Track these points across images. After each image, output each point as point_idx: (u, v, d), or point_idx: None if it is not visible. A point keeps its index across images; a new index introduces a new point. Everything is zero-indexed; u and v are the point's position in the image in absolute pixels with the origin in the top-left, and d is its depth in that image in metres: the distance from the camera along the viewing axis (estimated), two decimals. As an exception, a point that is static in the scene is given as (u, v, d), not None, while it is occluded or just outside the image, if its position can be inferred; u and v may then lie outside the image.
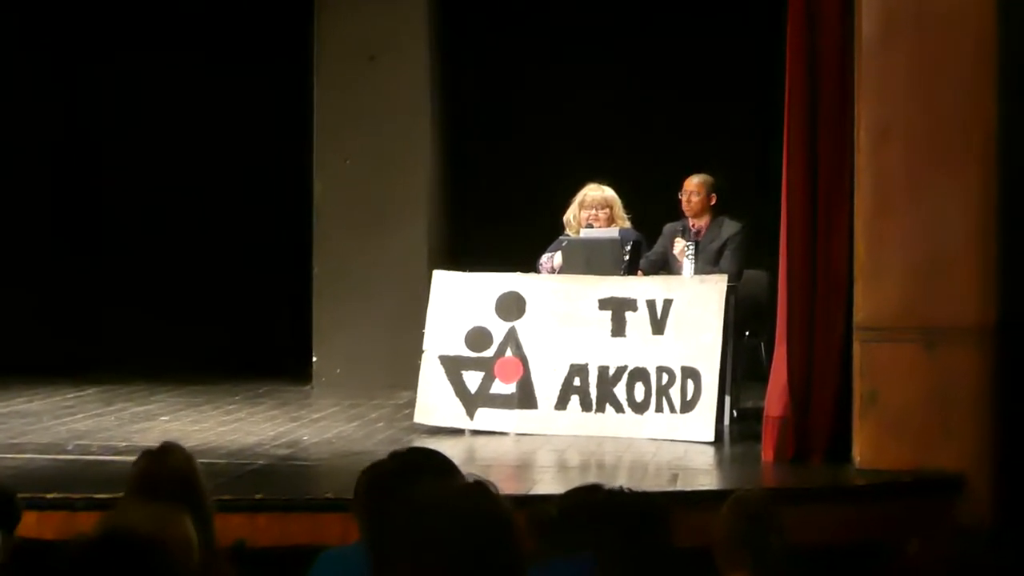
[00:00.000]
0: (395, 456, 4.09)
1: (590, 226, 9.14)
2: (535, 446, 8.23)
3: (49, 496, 6.37)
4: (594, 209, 9.17)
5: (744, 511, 4.49)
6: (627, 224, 9.23)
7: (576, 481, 7.71)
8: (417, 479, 3.68)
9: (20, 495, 4.82)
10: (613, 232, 9.04)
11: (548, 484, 7.34)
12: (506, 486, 6.99)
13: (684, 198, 9.22)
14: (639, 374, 8.45)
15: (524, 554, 2.94)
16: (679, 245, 9.04)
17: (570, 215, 9.25)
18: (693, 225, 9.17)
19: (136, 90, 12.12)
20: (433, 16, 11.11)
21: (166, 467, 3.80)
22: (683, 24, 11.43)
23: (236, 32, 12.02)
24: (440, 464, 3.94)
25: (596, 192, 9.23)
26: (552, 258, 9.11)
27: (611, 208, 9.21)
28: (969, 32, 7.22)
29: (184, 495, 3.58)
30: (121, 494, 4.13)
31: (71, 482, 6.75)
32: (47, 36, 12.09)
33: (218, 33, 12.03)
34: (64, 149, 12.24)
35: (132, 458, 6.06)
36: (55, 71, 12.13)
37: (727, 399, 8.56)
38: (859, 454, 7.30)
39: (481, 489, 3.00)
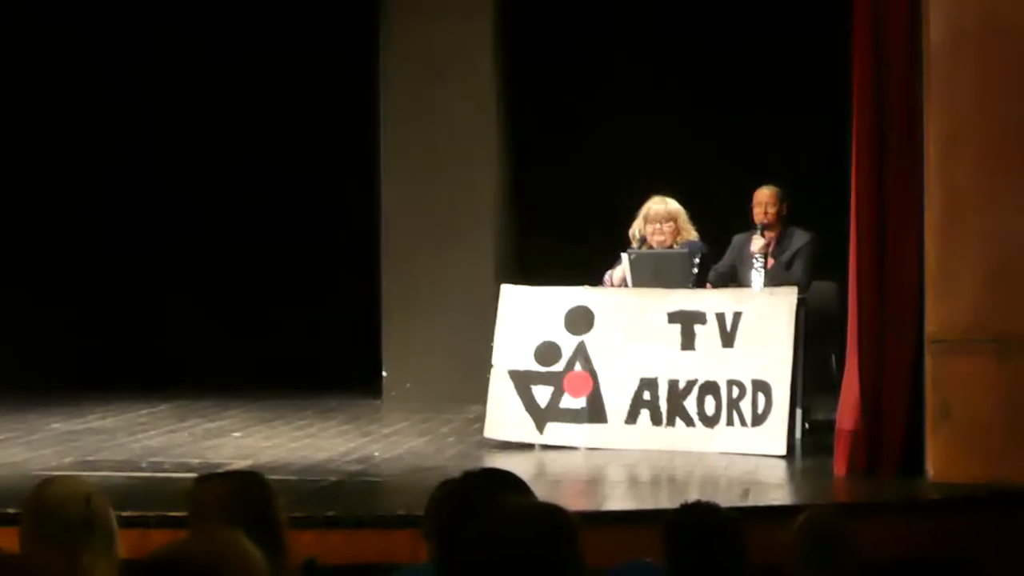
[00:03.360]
0: (468, 475, 4.08)
1: (651, 247, 9.11)
2: (605, 461, 8.22)
3: (124, 514, 6.38)
4: (658, 223, 9.13)
5: (815, 531, 4.46)
6: (693, 235, 9.19)
7: (647, 497, 7.74)
8: (490, 499, 3.67)
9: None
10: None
11: (619, 499, 7.34)
12: (576, 502, 7.00)
13: (759, 209, 9.16)
14: (709, 387, 8.42)
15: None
16: (757, 244, 8.99)
17: (635, 229, 9.23)
18: (766, 235, 9.12)
19: (202, 102, 12.20)
20: (499, 31, 11.13)
21: (230, 491, 3.82)
22: (748, 35, 11.39)
23: (303, 43, 12.08)
24: (514, 484, 3.93)
25: (659, 205, 9.19)
26: (612, 273, 9.08)
27: (675, 221, 9.16)
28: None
29: (255, 519, 3.60)
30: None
31: (146, 499, 6.80)
32: (105, 40, 12.18)
33: (286, 44, 12.09)
34: (128, 157, 12.32)
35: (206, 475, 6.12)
36: (115, 78, 12.23)
37: (798, 412, 8.52)
38: (932, 467, 7.24)
39: (552, 508, 3.00)
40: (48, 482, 3.82)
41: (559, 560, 2.87)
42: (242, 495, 3.78)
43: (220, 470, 4.27)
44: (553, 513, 2.97)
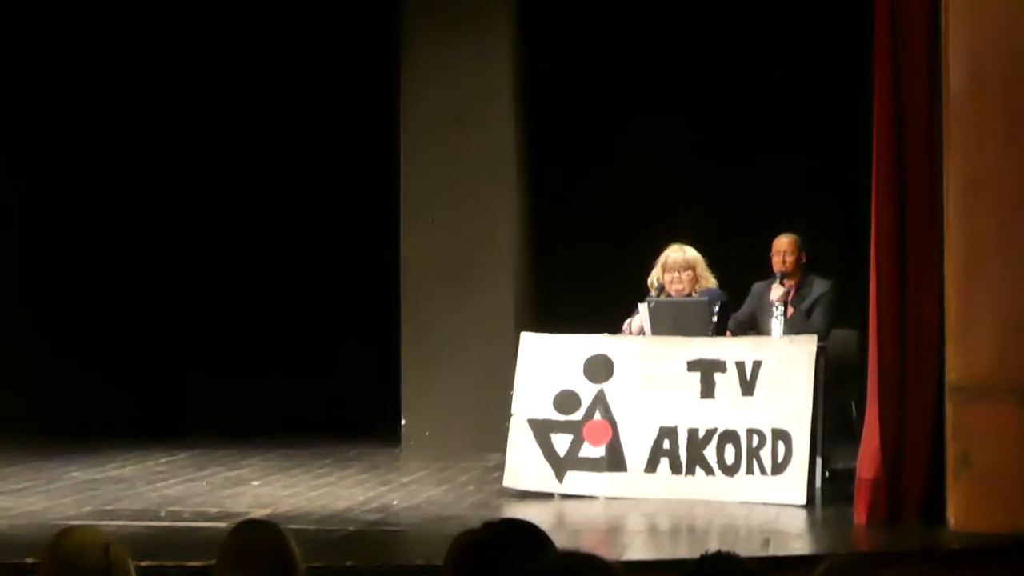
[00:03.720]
0: (488, 527, 4.05)
1: (669, 295, 9.10)
2: (625, 510, 8.19)
3: (143, 564, 6.37)
4: (677, 271, 9.12)
5: (838, 579, 4.42)
6: (712, 283, 9.18)
7: (667, 546, 7.70)
8: (511, 551, 3.64)
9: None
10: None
11: (639, 549, 7.31)
12: (597, 552, 6.96)
13: (778, 258, 9.14)
14: (729, 436, 8.39)
15: None
16: (776, 292, 8.97)
17: (653, 277, 9.21)
18: (784, 284, 9.10)
19: (224, 150, 12.25)
20: (517, 80, 11.17)
21: (255, 542, 3.81)
22: (769, 84, 11.40)
23: (324, 93, 12.13)
24: (535, 537, 3.91)
25: (677, 254, 9.18)
26: (631, 322, 9.06)
27: (694, 269, 9.15)
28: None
29: (275, 571, 3.59)
30: (213, 562, 4.14)
31: (164, 549, 6.79)
32: (131, 90, 12.24)
33: (307, 94, 12.14)
34: (151, 206, 12.36)
35: (224, 524, 6.11)
36: (140, 127, 12.29)
37: (818, 460, 8.47)
38: (953, 516, 7.21)
39: (593, 559, 2.97)
40: (66, 532, 3.82)
41: None
42: (266, 545, 3.77)
43: (239, 519, 4.26)
44: (594, 560, 2.93)
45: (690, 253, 9.19)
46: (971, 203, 7.24)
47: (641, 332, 8.99)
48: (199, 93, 12.21)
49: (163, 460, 10.26)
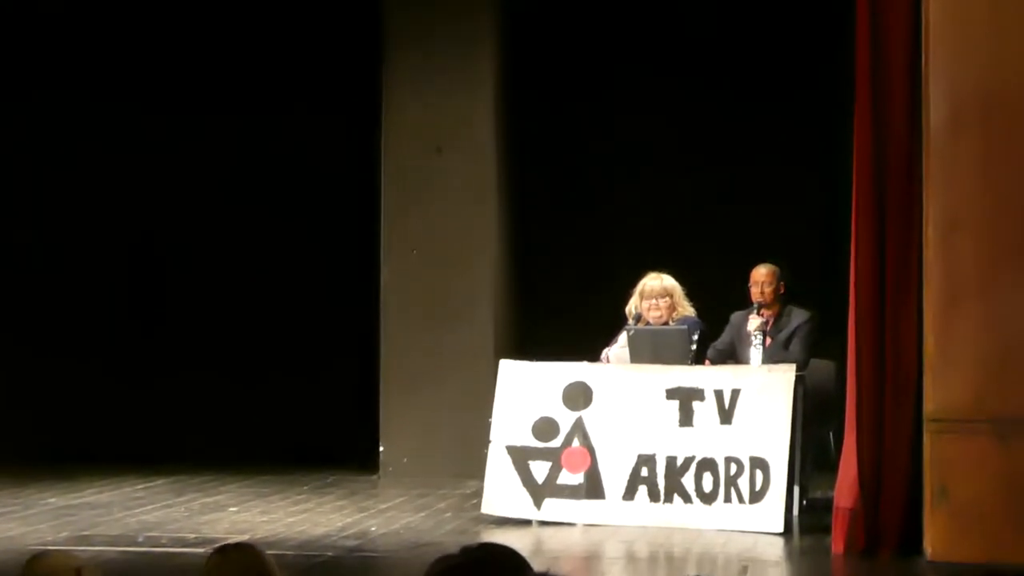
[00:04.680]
0: (466, 551, 4.05)
1: (647, 323, 9.13)
2: (603, 537, 8.21)
3: (120, 589, 6.40)
4: (654, 298, 9.15)
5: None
6: (690, 312, 9.21)
7: (645, 574, 7.71)
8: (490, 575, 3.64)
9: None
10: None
11: (617, 576, 7.32)
12: (574, 578, 6.97)
13: (755, 288, 9.19)
14: (707, 464, 8.42)
15: None
16: (754, 323, 9.00)
17: (631, 306, 9.25)
18: (763, 314, 9.14)
19: (201, 179, 12.23)
20: (499, 108, 11.20)
21: (236, 566, 3.81)
22: (750, 114, 11.45)
23: (304, 120, 12.14)
24: (513, 561, 3.91)
25: (655, 282, 9.22)
26: (610, 351, 9.08)
27: (671, 296, 9.19)
28: (1037, 118, 7.20)
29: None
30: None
31: (142, 575, 6.77)
32: (106, 114, 12.24)
33: (288, 121, 12.16)
34: (127, 234, 12.34)
35: (201, 550, 6.11)
36: (115, 154, 12.28)
37: (796, 489, 8.52)
38: (930, 547, 7.23)
39: None
40: (38, 556, 3.81)
41: None
42: (246, 567, 3.77)
43: (217, 545, 4.25)
44: None
45: (668, 281, 9.23)
46: (950, 237, 7.27)
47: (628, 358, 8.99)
48: (175, 115, 12.20)
49: (140, 486, 10.24)
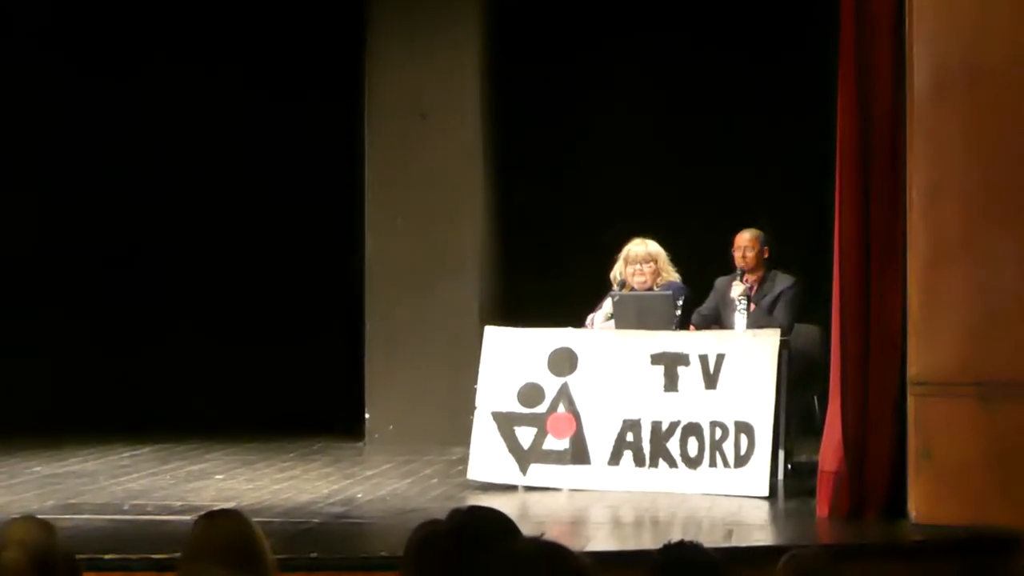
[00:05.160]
0: (455, 515, 4.05)
1: (632, 289, 9.13)
2: (588, 502, 8.22)
3: (107, 557, 6.39)
4: (639, 264, 9.16)
5: (799, 570, 4.46)
6: (675, 277, 9.22)
7: (630, 538, 7.73)
8: (480, 540, 3.64)
9: (77, 556, 4.84)
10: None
11: (603, 540, 7.33)
12: (562, 542, 6.97)
13: (738, 253, 9.20)
14: (692, 429, 8.44)
15: None
16: (738, 288, 9.02)
17: (616, 271, 9.25)
18: (746, 279, 9.15)
19: (185, 143, 12.20)
20: (484, 74, 11.17)
21: (223, 532, 3.81)
22: (734, 80, 11.45)
23: (287, 87, 12.11)
24: (501, 524, 3.91)
25: (639, 247, 9.22)
26: (594, 316, 9.09)
27: (655, 262, 9.19)
28: (1021, 85, 7.20)
29: (242, 560, 3.59)
30: (178, 554, 4.14)
31: (128, 543, 6.78)
32: (84, 71, 12.20)
33: (270, 88, 12.12)
34: (107, 202, 12.30)
35: (188, 517, 6.11)
36: (95, 111, 12.24)
37: (781, 453, 8.53)
38: (915, 509, 7.26)
39: (558, 547, 2.98)
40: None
41: None
42: (232, 534, 3.77)
43: (205, 511, 4.25)
44: (559, 550, 2.94)
45: (652, 246, 9.23)
46: (934, 203, 7.28)
47: (613, 323, 9.00)
48: (159, 84, 12.16)
49: (126, 455, 10.24)
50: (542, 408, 8.62)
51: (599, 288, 9.31)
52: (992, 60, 7.22)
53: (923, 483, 7.23)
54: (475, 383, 8.80)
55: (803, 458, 9.00)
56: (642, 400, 8.52)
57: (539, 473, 8.56)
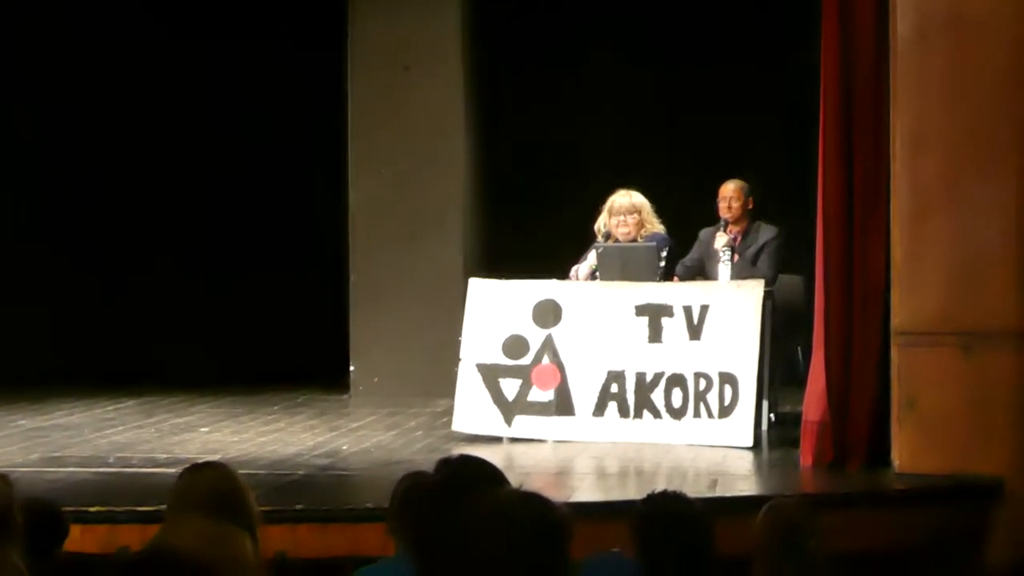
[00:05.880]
0: (444, 465, 4.06)
1: (616, 240, 9.14)
2: (573, 453, 8.25)
3: (92, 509, 6.41)
4: (622, 215, 9.16)
5: (781, 519, 4.49)
6: (659, 228, 9.22)
7: (615, 489, 7.76)
8: (468, 489, 3.65)
9: (63, 508, 4.86)
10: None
11: (587, 491, 7.36)
12: (545, 493, 7.00)
13: (723, 204, 9.21)
14: (676, 380, 8.45)
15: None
16: (722, 239, 9.02)
17: (600, 223, 9.25)
18: (730, 230, 9.15)
19: (171, 96, 12.15)
20: (467, 26, 11.14)
21: (208, 484, 3.82)
22: (717, 29, 11.42)
23: (271, 38, 12.06)
24: (490, 474, 3.93)
25: (624, 199, 9.22)
26: (579, 268, 9.10)
27: (639, 213, 9.19)
28: (1004, 35, 7.20)
29: (227, 511, 3.60)
30: (163, 507, 4.16)
31: (113, 495, 6.79)
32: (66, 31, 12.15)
33: (254, 39, 12.07)
34: (94, 155, 12.27)
35: (173, 470, 6.12)
36: (75, 77, 12.19)
37: (765, 404, 8.57)
38: (898, 459, 7.29)
39: (538, 497, 2.99)
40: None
41: (548, 548, 2.86)
42: (217, 485, 3.78)
43: (191, 463, 4.26)
44: (539, 500, 2.95)
45: (636, 198, 9.23)
46: (917, 153, 7.28)
47: (591, 277, 9.02)
48: (142, 37, 12.10)
49: (110, 408, 10.24)
50: (527, 360, 8.64)
51: (583, 240, 9.31)
52: (975, 8, 7.21)
53: (906, 433, 7.27)
54: (459, 335, 8.81)
55: (787, 408, 9.03)
56: (626, 351, 8.53)
57: (524, 424, 8.58)
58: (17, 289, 11.82)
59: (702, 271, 9.22)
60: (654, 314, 8.54)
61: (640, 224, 9.16)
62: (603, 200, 9.30)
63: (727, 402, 8.31)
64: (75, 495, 6.71)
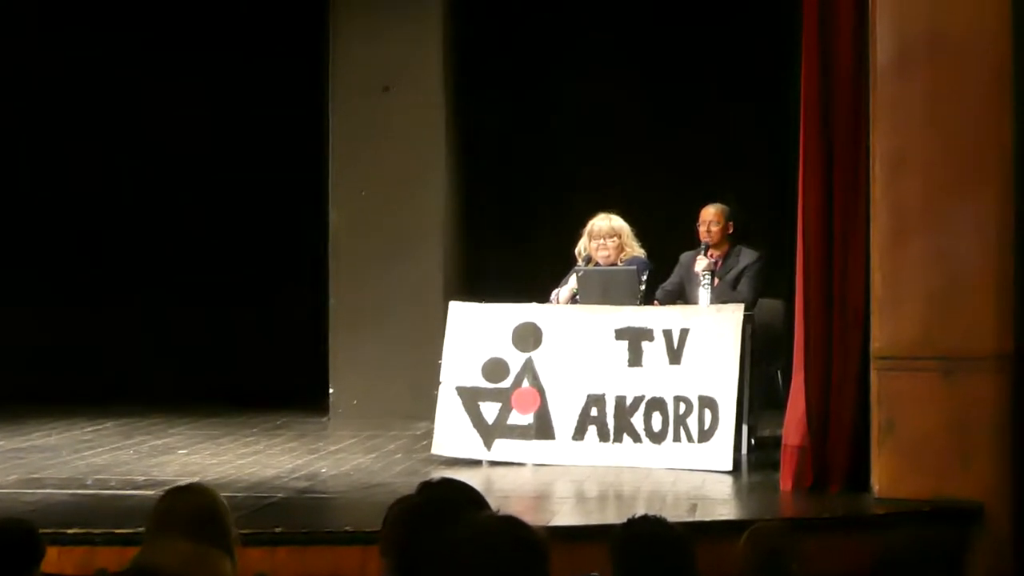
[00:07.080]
0: (426, 488, 4.06)
1: (596, 264, 9.14)
2: (553, 477, 8.24)
3: (70, 531, 6.38)
4: (602, 238, 9.17)
5: (762, 543, 4.49)
6: (639, 252, 9.23)
7: (595, 512, 7.75)
8: (449, 512, 3.66)
9: (41, 530, 4.83)
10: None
11: (567, 515, 7.34)
12: (525, 518, 6.98)
13: (703, 228, 9.22)
14: (656, 404, 8.45)
15: None
16: (702, 263, 9.03)
17: (581, 246, 9.27)
18: (711, 254, 9.17)
19: (152, 117, 12.14)
20: (447, 48, 11.15)
21: (187, 506, 3.81)
22: (698, 55, 11.45)
23: (250, 62, 12.06)
24: (471, 497, 3.92)
25: (603, 222, 9.23)
26: (559, 292, 9.11)
27: (619, 236, 9.20)
28: (984, 58, 7.21)
29: (207, 533, 3.59)
30: (141, 529, 4.14)
31: (91, 517, 6.76)
32: (60, 56, 12.14)
33: (232, 63, 12.07)
34: (73, 173, 12.24)
35: (151, 492, 6.09)
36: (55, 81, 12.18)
37: (745, 428, 8.58)
38: (877, 483, 7.29)
39: (515, 521, 3.00)
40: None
41: (526, 570, 2.87)
42: (197, 508, 3.77)
43: (167, 487, 4.23)
44: (516, 523, 2.96)
45: (616, 221, 9.24)
46: (896, 177, 7.29)
47: (572, 300, 9.02)
48: (124, 52, 12.10)
49: (89, 429, 10.20)
50: (507, 383, 8.63)
51: (564, 262, 9.31)
52: (954, 30, 7.23)
53: (886, 457, 7.26)
54: (439, 358, 8.80)
55: (767, 432, 9.03)
56: (606, 375, 8.53)
57: (503, 448, 8.57)
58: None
59: (682, 295, 9.23)
60: (634, 338, 8.54)
61: (620, 248, 9.17)
62: (584, 223, 9.31)
63: (707, 426, 8.31)
64: (53, 517, 6.68)
